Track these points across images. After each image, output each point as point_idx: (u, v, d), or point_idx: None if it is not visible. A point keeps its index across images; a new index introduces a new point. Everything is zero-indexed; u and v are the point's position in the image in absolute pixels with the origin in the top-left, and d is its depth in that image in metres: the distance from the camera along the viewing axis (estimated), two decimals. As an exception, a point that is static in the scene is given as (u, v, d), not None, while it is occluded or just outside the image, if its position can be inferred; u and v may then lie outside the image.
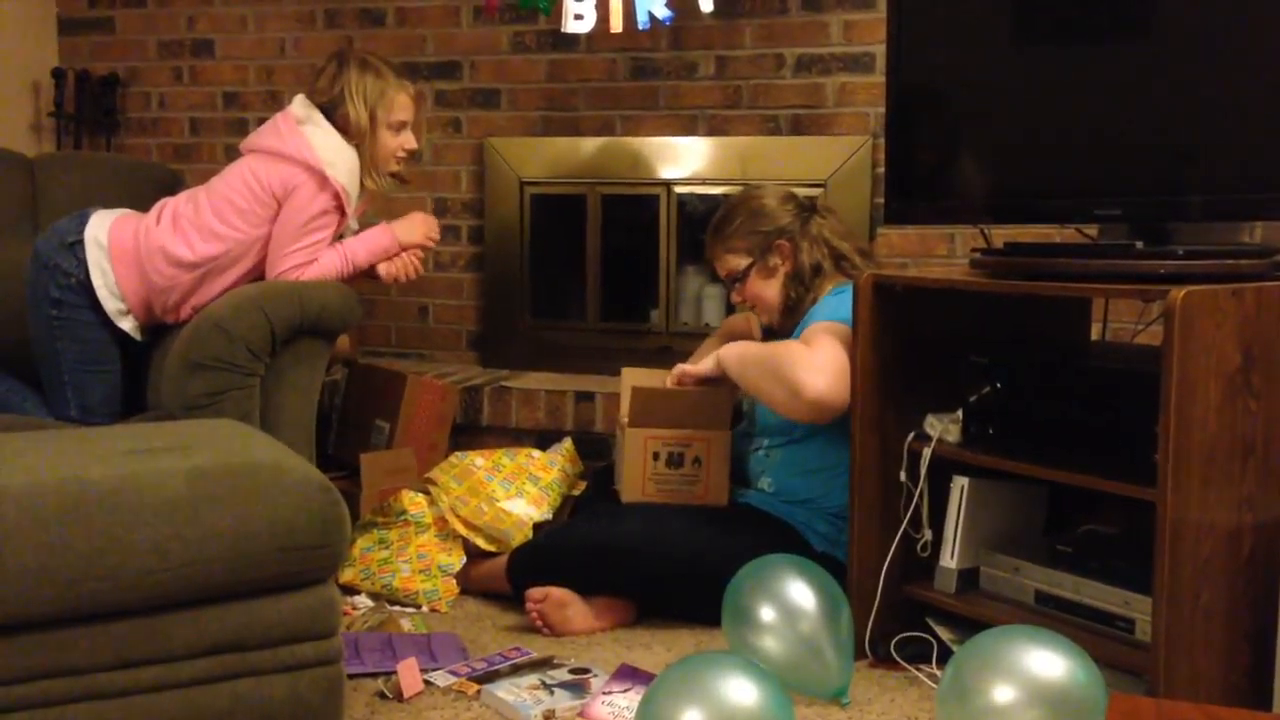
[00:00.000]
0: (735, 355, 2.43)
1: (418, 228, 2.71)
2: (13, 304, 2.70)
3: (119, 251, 2.52)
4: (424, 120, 2.77)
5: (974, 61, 2.16)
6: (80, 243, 2.52)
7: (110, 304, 2.52)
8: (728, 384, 2.48)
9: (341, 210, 2.58)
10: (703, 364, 2.50)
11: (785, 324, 2.52)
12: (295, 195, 2.53)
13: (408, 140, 2.68)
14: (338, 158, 2.56)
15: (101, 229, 2.54)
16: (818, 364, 2.24)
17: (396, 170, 2.71)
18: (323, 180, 2.53)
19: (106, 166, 3.08)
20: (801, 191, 2.69)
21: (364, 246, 2.63)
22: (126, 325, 2.55)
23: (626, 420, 2.53)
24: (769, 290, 2.53)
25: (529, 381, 3.26)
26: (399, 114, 2.65)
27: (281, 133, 2.58)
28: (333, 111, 2.61)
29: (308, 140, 2.55)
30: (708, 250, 2.63)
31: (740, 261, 2.55)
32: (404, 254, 2.69)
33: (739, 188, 3.12)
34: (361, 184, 2.63)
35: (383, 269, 2.67)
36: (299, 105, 2.62)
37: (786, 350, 2.33)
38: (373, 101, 2.61)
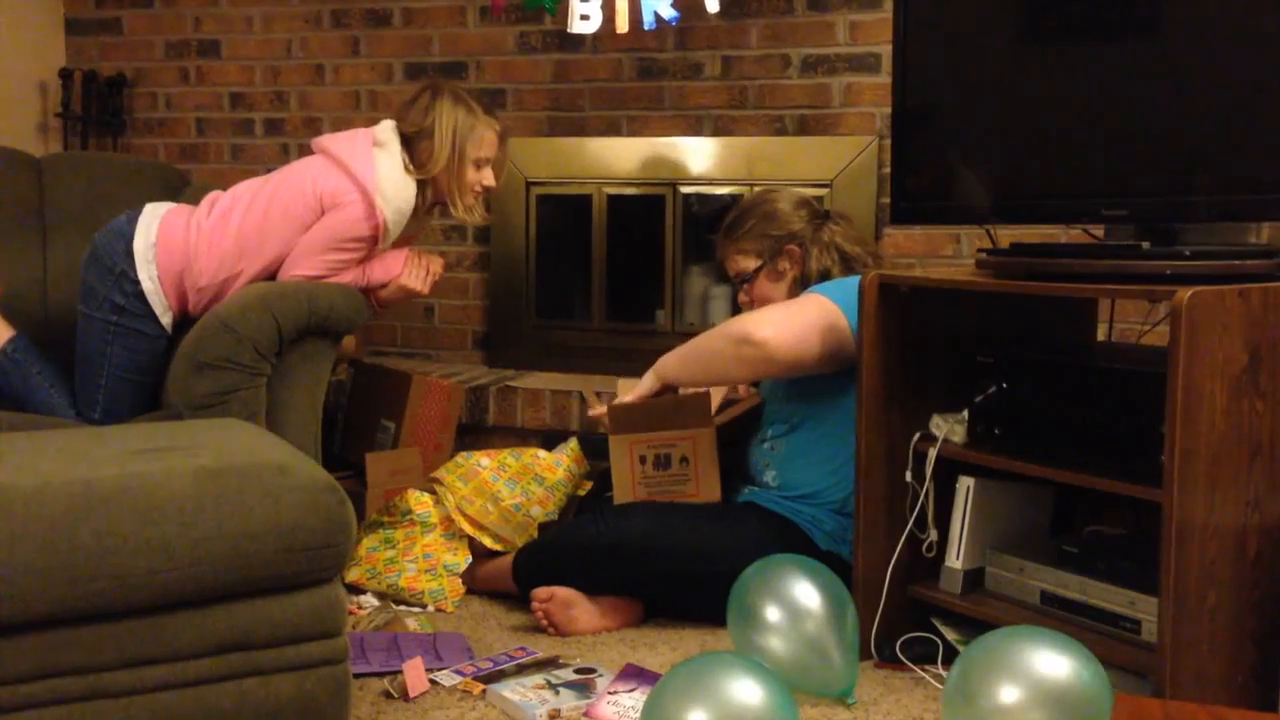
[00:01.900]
0: (672, 359, 2.45)
1: (429, 264, 2.73)
2: (21, 300, 2.72)
3: (166, 247, 2.52)
4: (506, 159, 2.78)
5: (980, 61, 2.16)
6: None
7: (156, 301, 2.53)
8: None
9: (375, 242, 2.59)
10: (640, 386, 2.49)
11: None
12: (340, 211, 2.54)
13: (486, 177, 2.70)
14: (393, 192, 2.56)
15: (154, 222, 2.55)
16: (766, 316, 2.28)
17: (472, 205, 2.71)
18: (370, 209, 2.54)
19: (113, 167, 3.09)
20: (814, 194, 2.68)
21: (380, 265, 2.65)
22: (166, 321, 2.54)
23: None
24: (776, 293, 2.53)
25: (534, 381, 3.27)
26: (485, 150, 2.67)
27: (356, 147, 2.59)
28: (416, 141, 2.63)
29: (374, 164, 2.55)
30: (718, 249, 2.64)
31: (750, 263, 2.56)
32: (422, 259, 2.70)
33: (745, 188, 3.12)
34: (414, 215, 2.63)
35: (403, 278, 2.66)
36: (384, 130, 2.62)
37: (734, 318, 2.40)
38: (463, 135, 2.63)
